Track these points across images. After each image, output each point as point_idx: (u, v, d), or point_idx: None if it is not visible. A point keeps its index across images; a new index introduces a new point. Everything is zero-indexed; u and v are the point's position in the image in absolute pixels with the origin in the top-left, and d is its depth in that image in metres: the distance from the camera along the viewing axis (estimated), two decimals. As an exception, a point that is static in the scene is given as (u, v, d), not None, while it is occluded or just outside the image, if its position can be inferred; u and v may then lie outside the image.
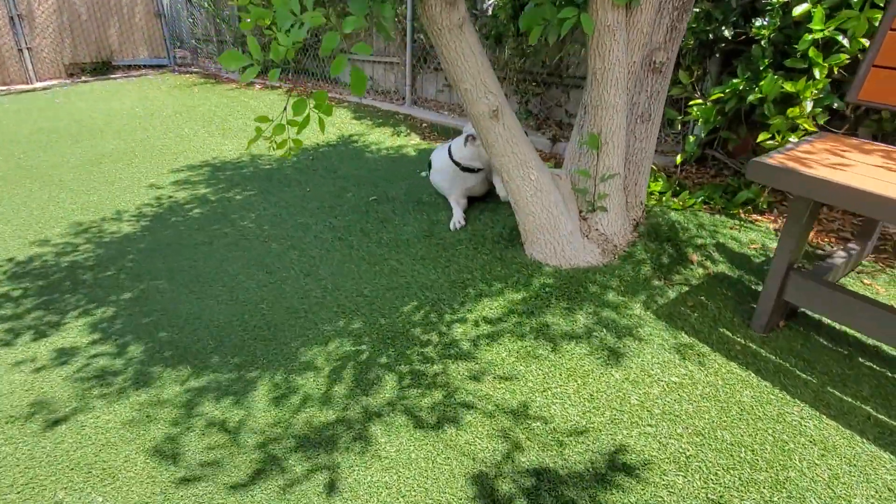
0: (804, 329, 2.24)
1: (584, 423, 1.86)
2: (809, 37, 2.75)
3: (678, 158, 3.48)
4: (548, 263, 2.58)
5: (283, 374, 2.16)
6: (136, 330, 2.49)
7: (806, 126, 2.83)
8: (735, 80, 3.11)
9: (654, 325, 2.26)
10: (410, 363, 2.16)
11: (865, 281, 2.56)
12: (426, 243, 3.03)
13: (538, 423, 1.86)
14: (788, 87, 2.81)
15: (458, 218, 3.21)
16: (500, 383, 2.03)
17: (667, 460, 1.72)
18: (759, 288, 2.48)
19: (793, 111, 2.82)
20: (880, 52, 2.14)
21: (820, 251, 2.84)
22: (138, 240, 3.38)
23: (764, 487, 1.63)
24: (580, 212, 2.62)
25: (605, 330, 2.25)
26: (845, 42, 2.72)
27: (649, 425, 1.84)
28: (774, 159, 1.92)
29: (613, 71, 2.27)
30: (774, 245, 2.86)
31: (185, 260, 3.13)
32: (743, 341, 2.18)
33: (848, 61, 2.74)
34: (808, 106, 2.79)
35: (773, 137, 2.89)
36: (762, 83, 2.94)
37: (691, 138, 3.40)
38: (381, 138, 5.19)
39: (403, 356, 2.20)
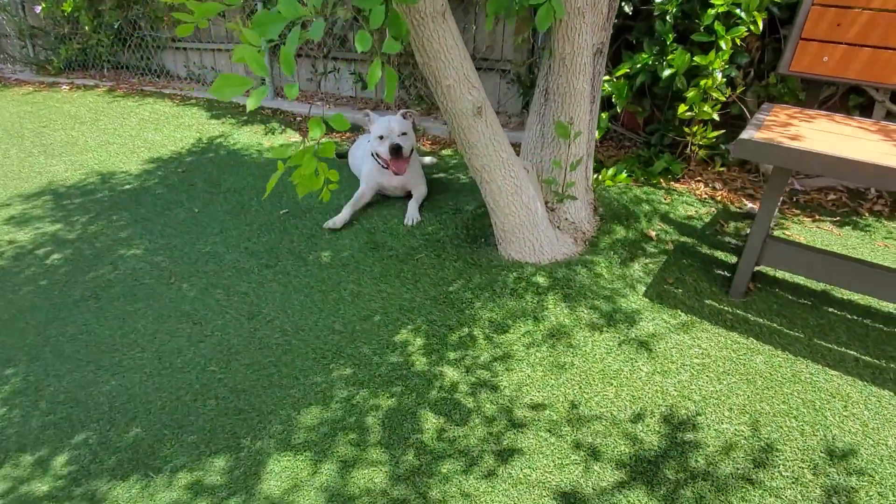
0: (769, 288, 2.41)
1: (643, 427, 1.80)
2: (713, 11, 2.92)
3: (597, 135, 3.56)
4: (527, 262, 2.47)
5: (288, 455, 1.78)
6: (43, 436, 1.89)
7: (716, 96, 3.03)
8: (643, 55, 3.22)
9: (652, 309, 2.28)
10: (434, 404, 1.92)
11: (787, 232, 2.84)
12: (376, 257, 2.73)
13: (600, 438, 1.76)
14: (699, 59, 2.98)
15: (338, 218, 3.01)
16: (539, 403, 1.89)
17: (735, 447, 1.73)
18: (718, 254, 2.62)
19: (706, 82, 2.99)
20: (806, 27, 2.32)
21: (737, 209, 3.09)
22: (-8, 309, 2.59)
23: (821, 452, 1.72)
24: (547, 203, 2.53)
25: (611, 322, 2.21)
26: (742, 15, 2.94)
27: (699, 414, 1.84)
28: (758, 136, 1.99)
29: (582, 55, 2.18)
30: (705, 210, 3.05)
31: (69, 326, 2.46)
32: (731, 309, 2.28)
33: (747, 33, 2.97)
34: (719, 76, 2.98)
35: (690, 109, 3.06)
36: (671, 57, 3.08)
37: (604, 115, 3.48)
38: (255, 138, 4.61)
39: (423, 397, 1.94)
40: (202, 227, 3.23)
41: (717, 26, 2.96)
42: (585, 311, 2.26)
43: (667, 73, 3.09)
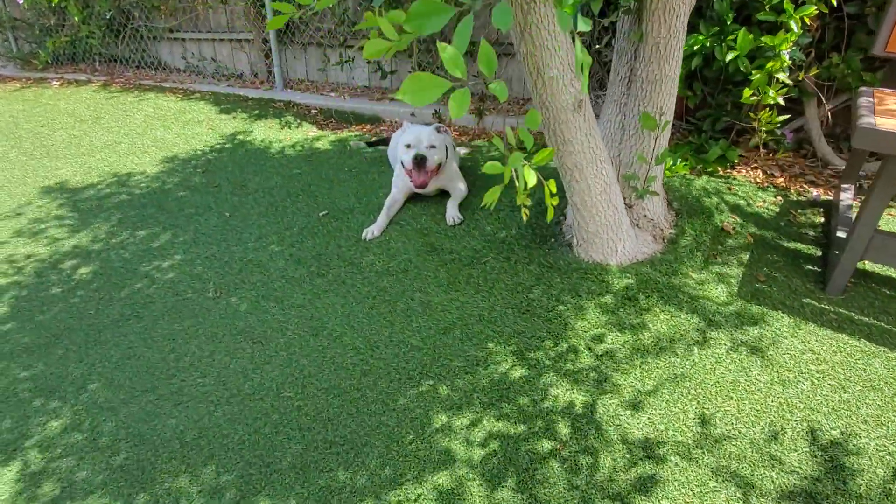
0: (863, 283, 2.28)
1: (781, 447, 1.66)
2: (781, -11, 2.75)
3: None
4: (609, 263, 2.30)
5: (396, 492, 1.61)
6: (111, 483, 1.69)
7: (782, 79, 2.87)
8: (699, 37, 3.04)
9: (750, 310, 2.13)
10: (548, 429, 1.75)
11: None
12: (437, 262, 2.55)
13: (739, 463, 1.62)
14: (767, 40, 2.81)
15: (374, 228, 2.84)
16: (660, 422, 1.74)
17: (888, 464, 1.60)
18: (800, 247, 2.48)
19: (773, 64, 2.83)
20: (906, 3, 2.15)
21: (803, 197, 2.95)
22: (11, 335, 2.36)
23: (973, 466, 1.59)
24: (624, 200, 2.37)
25: (712, 326, 2.06)
26: (810, -7, 2.77)
27: (834, 429, 1.70)
28: (883, 124, 1.84)
29: (678, 39, 2.00)
30: (771, 199, 2.91)
31: (113, 350, 2.25)
32: (832, 308, 2.15)
33: (817, 12, 2.80)
34: (786, 58, 2.82)
35: (755, 93, 2.90)
36: (733, 38, 2.91)
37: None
38: (272, 134, 4.36)
39: (533, 421, 1.78)
40: (237, 232, 3.01)
41: (787, 5, 2.79)
42: (683, 316, 2.11)
43: (730, 55, 2.92)
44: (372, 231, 2.83)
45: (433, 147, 2.85)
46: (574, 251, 2.38)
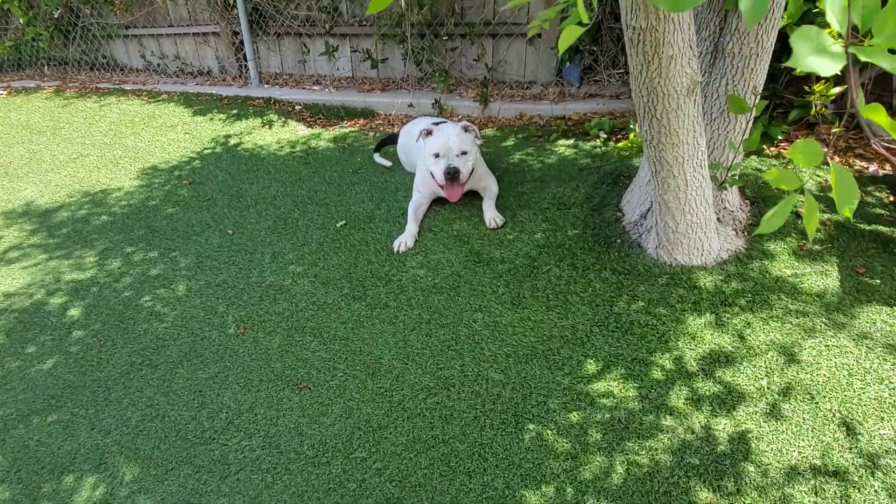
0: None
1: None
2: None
3: None
4: (694, 265, 2.03)
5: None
6: None
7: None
8: (739, 6, 2.78)
9: (863, 308, 1.90)
10: (693, 469, 1.48)
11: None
12: (490, 274, 2.24)
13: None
14: (820, 4, 2.57)
15: (406, 238, 2.51)
16: (814, 461, 1.49)
17: None
18: (883, 230, 2.27)
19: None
20: None
21: (859, 173, 2.75)
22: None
23: None
24: (702, 191, 2.10)
25: (832, 330, 1.82)
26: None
27: None
28: None
29: (780, 5, 1.73)
30: (829, 178, 2.69)
31: (129, 411, 1.87)
32: (943, 298, 1.94)
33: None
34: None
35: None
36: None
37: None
38: (258, 135, 3.93)
39: (663, 464, 1.50)
40: (247, 252, 2.62)
41: (839, -34, 2.54)
42: (794, 320, 1.86)
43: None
44: (405, 242, 2.49)
45: (464, 153, 2.51)
46: (652, 253, 2.11)
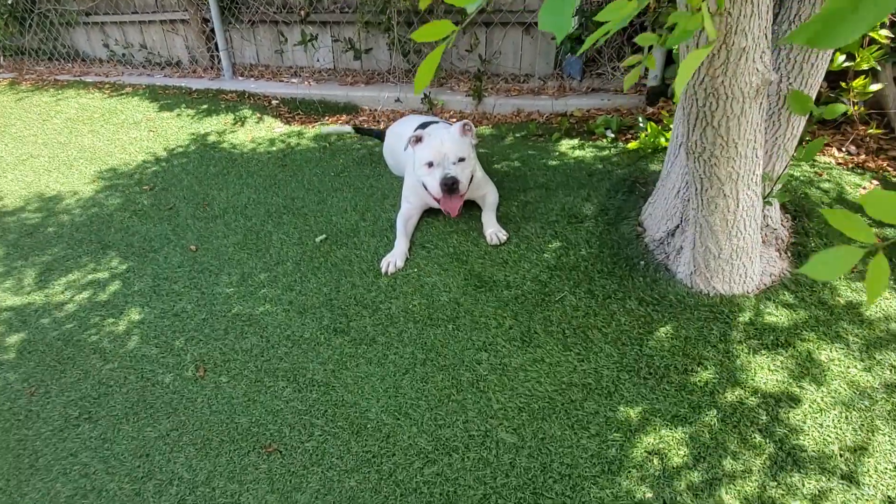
0: None
1: None
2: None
3: None
4: (734, 293, 1.72)
5: None
6: None
7: (879, 38, 2.34)
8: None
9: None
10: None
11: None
12: (495, 302, 1.91)
13: None
14: (860, -9, 2.24)
15: (395, 257, 2.17)
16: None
17: None
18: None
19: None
20: None
21: None
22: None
23: None
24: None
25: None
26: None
27: None
28: None
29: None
30: (867, 184, 2.40)
31: (58, 480, 1.52)
32: None
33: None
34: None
35: (849, 57, 2.36)
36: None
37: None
38: (229, 134, 3.54)
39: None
40: (212, 273, 2.26)
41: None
42: (867, 358, 1.55)
43: (815, 12, 2.34)
44: (393, 262, 2.15)
45: (462, 160, 2.17)
46: (685, 279, 1.79)
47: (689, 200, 1.77)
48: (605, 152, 2.81)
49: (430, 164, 2.15)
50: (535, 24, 3.60)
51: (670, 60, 3.27)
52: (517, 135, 3.22)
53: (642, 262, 1.94)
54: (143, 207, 2.79)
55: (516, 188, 2.54)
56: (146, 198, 2.88)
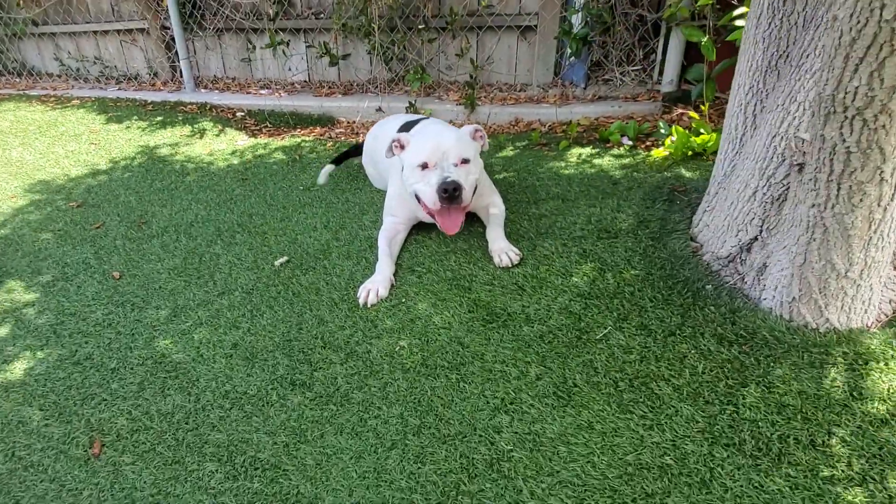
0: None
1: None
2: None
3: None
4: (851, 327, 1.21)
5: None
6: None
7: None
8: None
9: None
10: None
11: None
12: (512, 342, 1.38)
13: None
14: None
15: (376, 284, 1.63)
16: None
17: None
18: None
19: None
20: None
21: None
22: None
23: None
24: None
25: None
26: None
27: None
28: None
29: None
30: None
31: None
32: None
33: None
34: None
35: None
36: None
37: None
38: (185, 146, 3.02)
39: None
40: (135, 307, 1.70)
41: None
42: None
43: None
44: (374, 290, 1.61)
45: (467, 161, 1.66)
46: (776, 307, 1.28)
47: (783, 201, 1.29)
48: (626, 160, 2.34)
49: (425, 166, 1.64)
50: (533, 27, 3.19)
51: (689, 61, 2.85)
52: (518, 144, 2.75)
53: (709, 287, 1.43)
54: (65, 226, 2.23)
55: (524, 200, 2.04)
56: (72, 215, 2.32)
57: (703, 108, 2.53)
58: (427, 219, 1.78)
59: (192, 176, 2.64)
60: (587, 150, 2.51)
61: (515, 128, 3.03)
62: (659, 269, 1.53)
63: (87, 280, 1.86)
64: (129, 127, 3.35)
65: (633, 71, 3.10)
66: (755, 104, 1.55)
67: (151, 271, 1.87)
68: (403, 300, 1.59)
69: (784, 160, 1.35)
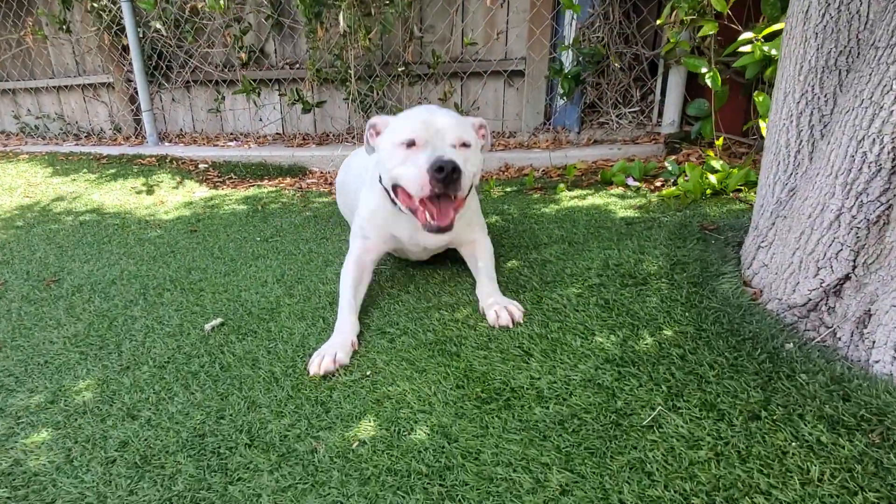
0: None
1: None
2: None
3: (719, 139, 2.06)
4: None
5: None
6: None
7: None
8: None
9: None
10: None
11: None
12: (519, 433, 0.95)
13: None
14: None
15: (334, 348, 1.20)
16: None
17: None
18: None
19: None
20: None
21: None
22: None
23: None
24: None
25: None
26: None
27: None
28: None
29: None
30: None
31: None
32: None
33: None
34: None
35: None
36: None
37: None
38: (131, 199, 2.62)
39: None
40: (2, 389, 1.22)
41: None
42: None
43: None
44: (331, 356, 1.18)
45: (467, 146, 1.27)
46: (885, 364, 0.86)
47: (885, 223, 0.91)
48: (634, 200, 1.98)
49: (411, 144, 1.23)
50: (520, 71, 2.92)
51: (690, 96, 2.57)
52: (508, 190, 2.39)
53: (789, 346, 1.01)
54: (-45, 287, 1.77)
55: (523, 245, 1.65)
56: (-31, 274, 1.86)
57: (716, 143, 2.21)
58: (410, 239, 1.37)
59: (131, 228, 2.22)
60: (587, 192, 2.15)
61: (506, 173, 2.69)
62: (712, 322, 1.11)
63: (-44, 353, 1.39)
64: (74, 180, 2.96)
65: (630, 113, 2.81)
66: (811, 112, 1.20)
67: (42, 341, 1.41)
68: (368, 373, 1.14)
69: (880, 168, 0.97)
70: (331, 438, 0.99)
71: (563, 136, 2.92)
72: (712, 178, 1.98)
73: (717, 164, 2.03)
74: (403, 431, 0.98)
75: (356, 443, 0.97)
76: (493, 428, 0.95)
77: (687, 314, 1.15)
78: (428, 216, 1.20)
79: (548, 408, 0.98)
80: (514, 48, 2.95)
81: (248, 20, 3.25)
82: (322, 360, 1.16)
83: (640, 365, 1.04)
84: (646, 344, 1.09)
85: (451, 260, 1.60)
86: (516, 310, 1.25)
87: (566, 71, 2.69)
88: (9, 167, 3.22)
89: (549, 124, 2.99)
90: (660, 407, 0.93)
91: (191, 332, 1.39)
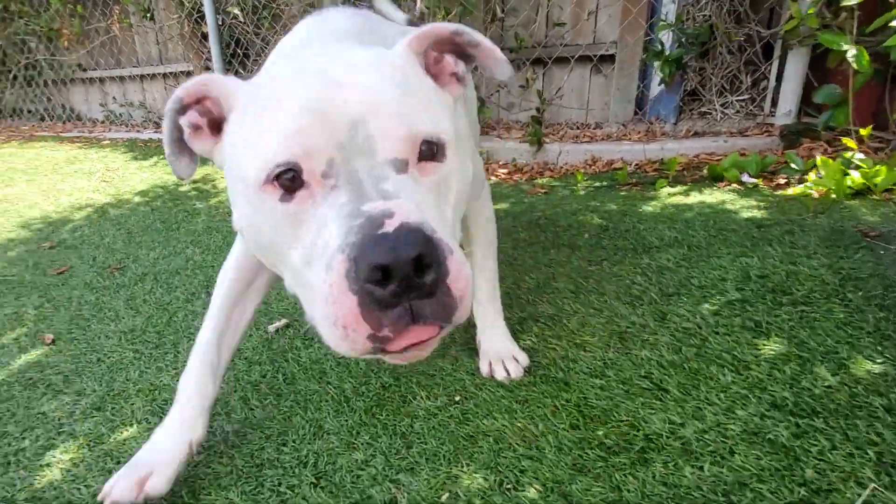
0: None
1: None
2: None
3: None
4: None
5: None
6: None
7: None
8: None
9: None
10: None
11: None
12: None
13: None
14: None
15: (151, 466, 0.76)
16: None
17: None
18: None
19: None
20: None
21: None
22: None
23: None
24: None
25: None
26: None
27: None
28: None
29: None
30: None
31: None
32: None
33: None
34: None
35: None
36: None
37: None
38: (209, 184, 2.52)
39: None
40: (49, 389, 1.09)
41: None
42: None
43: None
44: (139, 477, 0.76)
45: (432, 151, 0.55)
46: None
47: None
48: (754, 200, 1.65)
49: (293, 181, 0.51)
50: (611, 57, 2.61)
51: (812, 83, 2.18)
52: (598, 184, 2.10)
53: None
54: (21, 271, 1.69)
55: (628, 248, 1.37)
56: (37, 257, 1.79)
57: (863, 133, 1.83)
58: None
59: (201, 216, 2.10)
60: (693, 190, 1.84)
61: (592, 167, 2.40)
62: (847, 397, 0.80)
63: (5, 344, 1.27)
64: (155, 164, 2.91)
65: (738, 101, 2.45)
66: None
67: (98, 335, 1.27)
68: (458, 398, 0.92)
69: None
70: (414, 484, 0.77)
71: (658, 127, 2.59)
72: (855, 175, 1.62)
73: (858, 159, 1.67)
74: (507, 484, 0.74)
75: (445, 495, 0.74)
76: (629, 492, 0.70)
77: (880, 348, 0.85)
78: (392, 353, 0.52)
79: (702, 469, 0.72)
80: (605, 31, 2.65)
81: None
82: (117, 484, 0.74)
83: (825, 416, 0.76)
84: (827, 386, 0.81)
85: (545, 259, 1.35)
86: (515, 366, 0.96)
87: (667, 54, 2.37)
88: (90, 152, 3.24)
89: (643, 114, 2.67)
90: (872, 484, 0.65)
91: (253, 334, 1.21)
